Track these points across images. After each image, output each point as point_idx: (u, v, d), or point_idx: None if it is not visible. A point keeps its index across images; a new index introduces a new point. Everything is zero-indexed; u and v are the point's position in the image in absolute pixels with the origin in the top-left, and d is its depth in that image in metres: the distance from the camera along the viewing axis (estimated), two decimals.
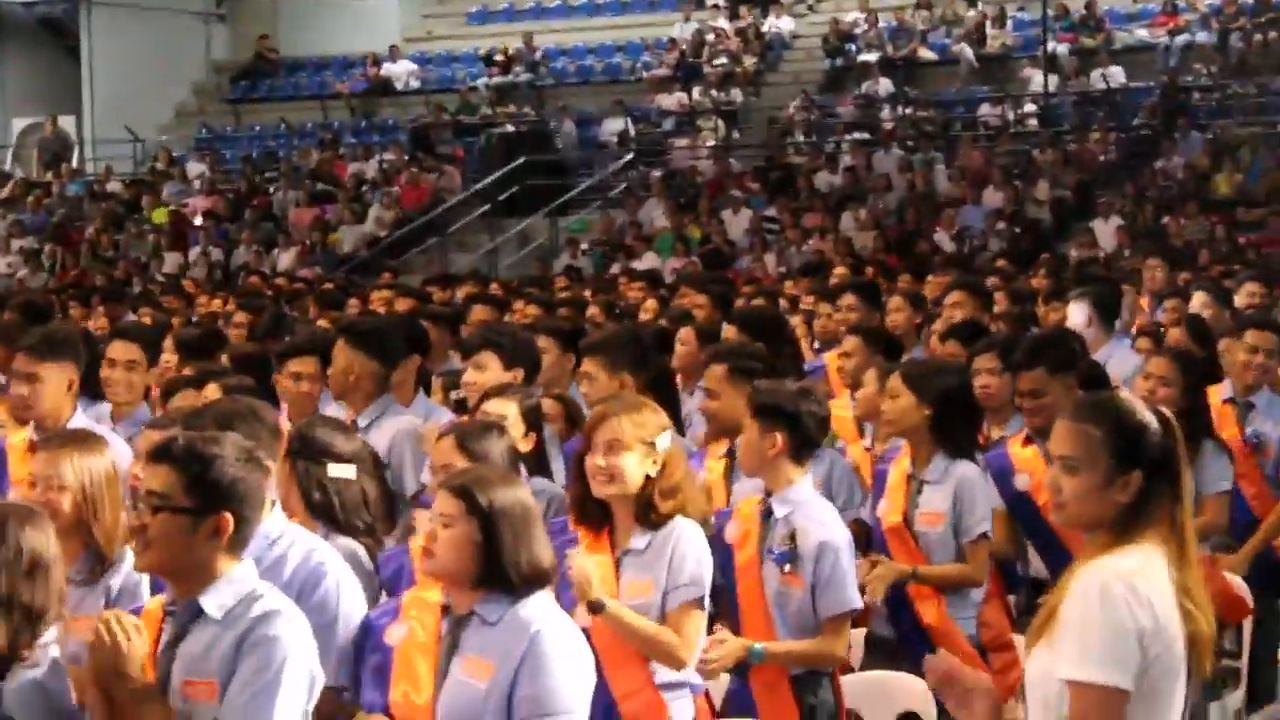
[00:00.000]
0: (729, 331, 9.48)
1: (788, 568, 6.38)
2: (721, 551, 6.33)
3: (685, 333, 9.52)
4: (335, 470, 5.99)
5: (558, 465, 7.34)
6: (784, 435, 6.49)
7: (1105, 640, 4.00)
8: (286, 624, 4.64)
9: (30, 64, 37.17)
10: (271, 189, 29.82)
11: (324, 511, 5.96)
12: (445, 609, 5.09)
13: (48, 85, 36.13)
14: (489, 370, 7.97)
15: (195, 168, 31.35)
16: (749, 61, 30.52)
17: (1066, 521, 4.27)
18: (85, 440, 5.68)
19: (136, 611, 4.87)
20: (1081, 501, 4.16)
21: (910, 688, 6.54)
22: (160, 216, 29.06)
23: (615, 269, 22.93)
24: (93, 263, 27.15)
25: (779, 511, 6.46)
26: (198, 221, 28.77)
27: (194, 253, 27.52)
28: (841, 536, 6.48)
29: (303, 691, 4.64)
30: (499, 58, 32.06)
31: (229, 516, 4.65)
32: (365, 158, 30.12)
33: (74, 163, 33.59)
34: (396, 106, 32.96)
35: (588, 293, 16.13)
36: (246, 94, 35.05)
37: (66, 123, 34.58)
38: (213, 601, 4.65)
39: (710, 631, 6.06)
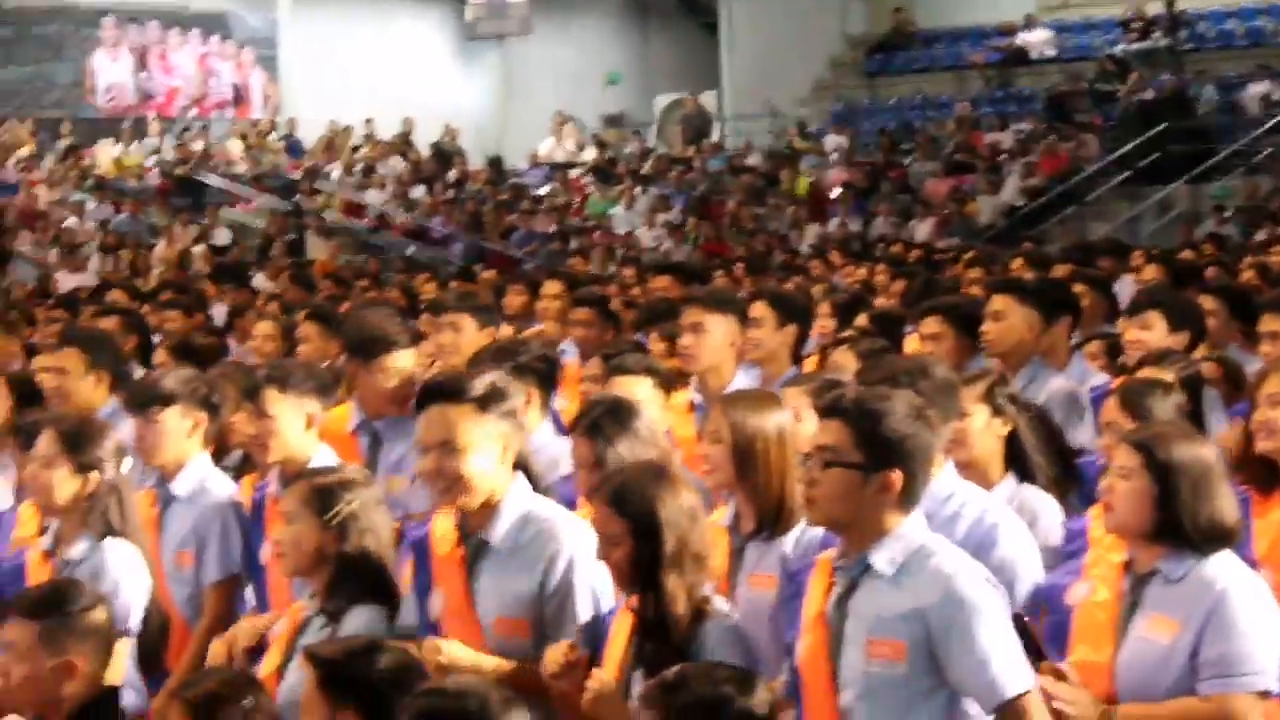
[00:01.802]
0: None
1: None
2: None
3: None
4: (1024, 422, 6.01)
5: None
6: None
7: None
8: (969, 582, 4.62)
9: (672, 42, 38.28)
10: (908, 161, 29.90)
11: (1018, 461, 5.99)
12: (1127, 567, 5.02)
13: (688, 62, 37.11)
14: (1154, 330, 7.90)
15: (832, 141, 31.69)
16: None
17: None
18: (751, 398, 5.76)
19: (808, 568, 4.96)
20: None
21: None
22: (802, 187, 29.50)
23: (1261, 235, 22.18)
24: (733, 235, 27.72)
25: None
26: (835, 194, 29.07)
27: (832, 225, 27.83)
28: None
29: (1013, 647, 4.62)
30: (1137, 23, 31.37)
31: (898, 473, 4.67)
32: (1001, 128, 29.91)
33: (714, 137, 34.38)
34: (1033, 75, 32.60)
35: (1240, 260, 15.63)
36: (882, 67, 35.22)
37: (707, 98, 35.42)
38: (883, 557, 4.67)
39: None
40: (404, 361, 7.50)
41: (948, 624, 4.55)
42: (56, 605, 5.21)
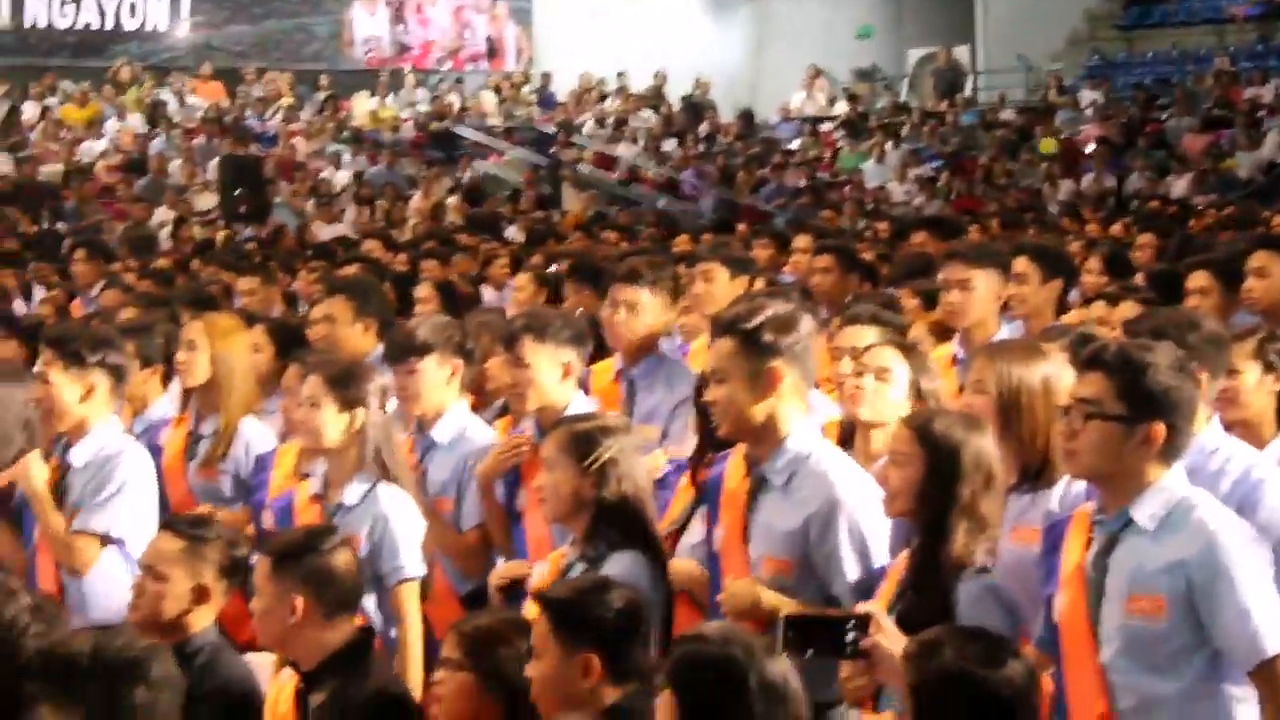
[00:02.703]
0: None
1: None
2: None
3: None
4: None
5: None
6: None
7: None
8: (1233, 537, 4.56)
9: None
10: (1164, 116, 29.41)
11: None
12: None
13: (941, 16, 36.72)
14: None
15: (1087, 95, 31.24)
16: None
17: None
18: (1017, 348, 5.71)
19: (1064, 521, 4.91)
20: None
21: None
22: (1049, 146, 29.14)
23: None
24: (986, 190, 27.46)
25: None
26: (1089, 149, 28.66)
27: (1086, 180, 27.45)
28: None
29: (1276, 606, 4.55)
30: None
31: (1161, 425, 4.60)
32: (1261, 82, 29.28)
33: (968, 92, 34.06)
34: None
35: None
36: (1139, 20, 34.60)
37: (960, 52, 35.07)
38: (1144, 511, 4.62)
39: None
40: (654, 307, 7.55)
41: (1209, 577, 4.50)
42: (294, 545, 5.39)
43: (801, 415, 5.54)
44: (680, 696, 4.28)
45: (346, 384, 6.37)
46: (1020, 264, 7.98)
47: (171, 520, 5.94)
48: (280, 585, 5.29)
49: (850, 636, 4.54)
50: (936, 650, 4.19)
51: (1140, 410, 4.61)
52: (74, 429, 6.79)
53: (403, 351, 6.98)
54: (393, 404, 6.66)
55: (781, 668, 4.29)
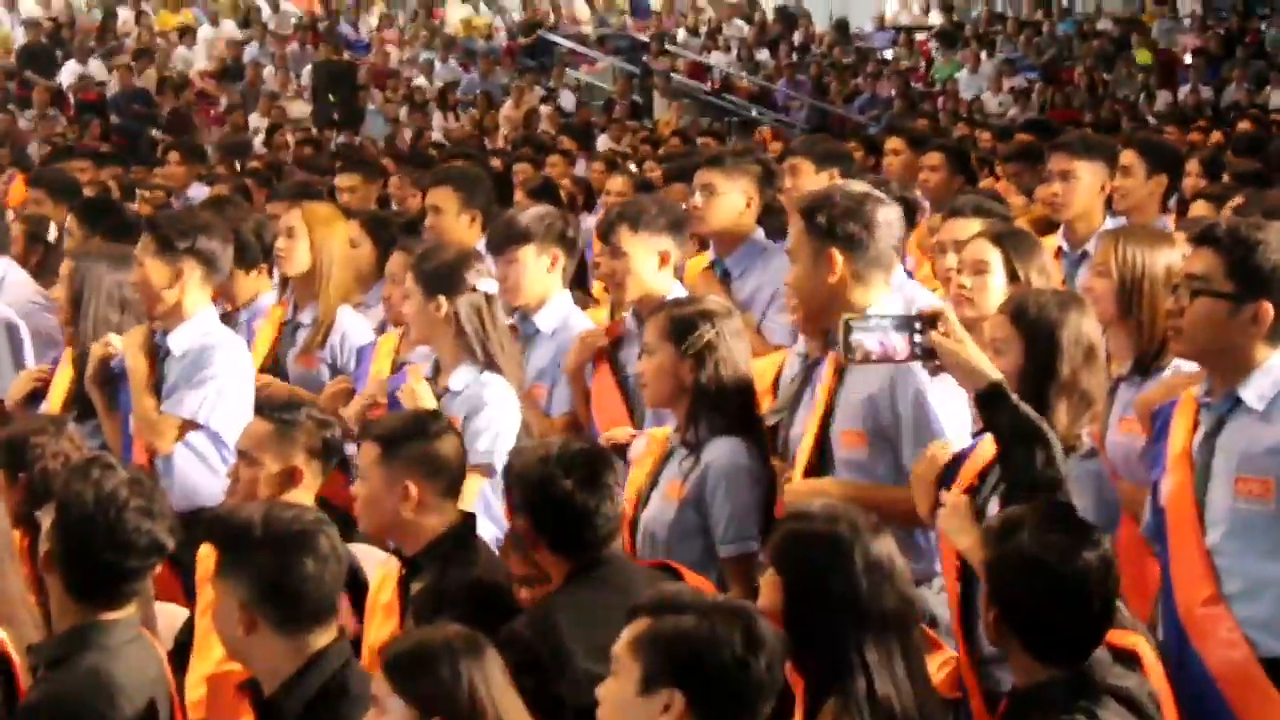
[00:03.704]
0: None
1: None
2: None
3: None
4: None
5: None
6: None
7: None
8: None
9: None
10: (1263, 25, 29.06)
11: None
12: None
13: None
14: None
15: (1185, 4, 30.92)
16: None
17: None
18: (1143, 234, 5.67)
19: (1171, 406, 4.83)
20: None
21: None
22: (1146, 57, 28.84)
23: None
24: (1083, 101, 27.20)
25: None
26: (1187, 60, 28.37)
27: (1183, 91, 27.18)
28: None
29: None
30: None
31: (1268, 304, 4.55)
32: None
33: (1066, 2, 33.69)
34: None
35: None
36: None
37: None
38: (1252, 392, 4.57)
39: None
40: (733, 192, 7.51)
41: None
42: (399, 431, 5.31)
43: (880, 293, 5.42)
44: (785, 576, 4.24)
45: (432, 274, 6.36)
46: (1127, 156, 7.94)
47: (262, 405, 5.93)
48: (390, 471, 5.20)
49: (916, 337, 4.55)
50: (1015, 530, 4.14)
51: (1248, 288, 4.55)
52: (171, 316, 6.79)
53: (503, 240, 6.98)
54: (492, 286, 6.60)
55: (887, 546, 4.26)
